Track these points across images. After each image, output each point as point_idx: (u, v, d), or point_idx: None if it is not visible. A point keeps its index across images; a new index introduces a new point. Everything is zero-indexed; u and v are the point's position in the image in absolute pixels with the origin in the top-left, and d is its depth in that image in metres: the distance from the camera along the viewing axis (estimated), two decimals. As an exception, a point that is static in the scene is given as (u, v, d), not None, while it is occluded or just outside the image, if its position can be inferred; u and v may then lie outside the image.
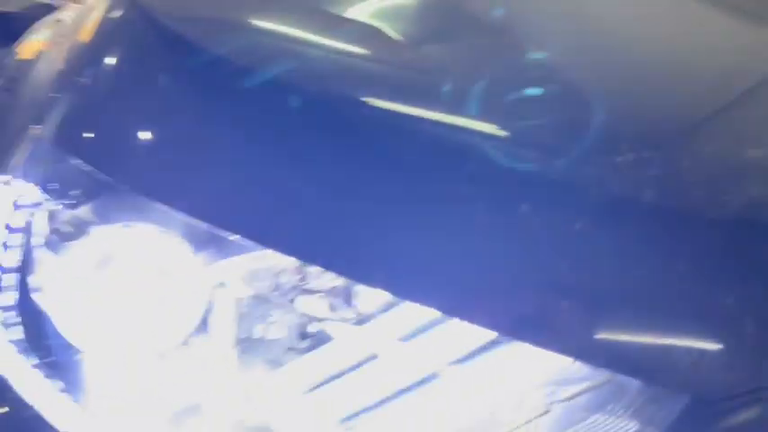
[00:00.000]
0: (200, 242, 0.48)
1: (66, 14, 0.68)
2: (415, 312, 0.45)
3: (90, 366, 0.51)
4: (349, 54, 0.56)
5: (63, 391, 0.50)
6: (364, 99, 0.51)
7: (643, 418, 0.39)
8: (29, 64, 0.64)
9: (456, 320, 0.43)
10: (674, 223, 0.44)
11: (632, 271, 0.42)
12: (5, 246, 0.53)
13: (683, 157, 0.50)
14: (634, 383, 0.39)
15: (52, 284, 0.50)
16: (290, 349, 0.49)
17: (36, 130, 0.53)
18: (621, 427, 0.39)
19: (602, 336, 0.41)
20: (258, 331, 0.49)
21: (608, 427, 0.39)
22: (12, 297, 0.53)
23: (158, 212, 0.47)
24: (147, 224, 0.48)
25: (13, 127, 0.56)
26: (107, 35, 0.56)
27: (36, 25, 0.72)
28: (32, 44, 0.69)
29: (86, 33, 0.57)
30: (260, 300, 0.48)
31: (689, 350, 0.39)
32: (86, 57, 0.55)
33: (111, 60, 0.53)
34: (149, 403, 0.50)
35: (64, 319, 0.50)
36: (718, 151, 0.53)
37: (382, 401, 0.46)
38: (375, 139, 0.49)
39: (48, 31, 0.69)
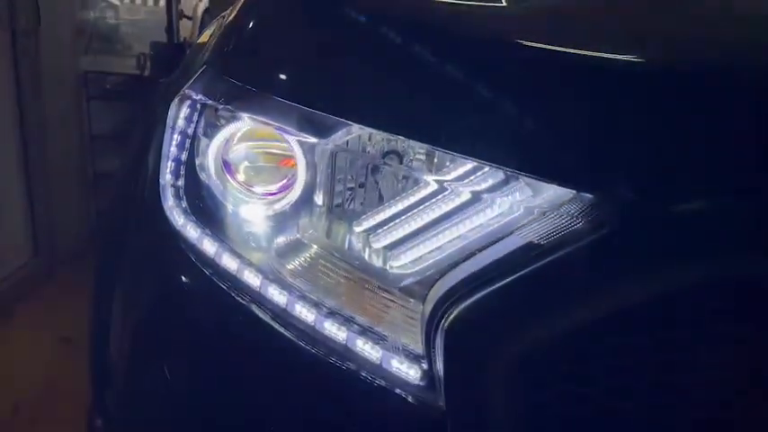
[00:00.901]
0: (307, 124, 0.68)
1: (226, 13, 0.96)
2: (458, 161, 0.61)
3: (229, 217, 0.73)
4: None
5: (208, 235, 0.72)
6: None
7: (588, 219, 0.53)
8: (201, 44, 0.92)
9: (488, 165, 0.59)
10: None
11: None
12: (180, 146, 0.77)
13: None
14: (588, 197, 0.53)
15: (208, 160, 0.73)
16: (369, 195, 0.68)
17: (204, 66, 0.78)
18: (573, 225, 0.54)
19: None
20: (348, 185, 0.69)
21: (562, 221, 0.54)
22: (183, 179, 0.77)
23: (277, 105, 0.68)
24: (269, 114, 0.69)
25: (192, 70, 0.81)
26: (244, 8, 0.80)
27: (210, 23, 1.02)
28: (205, 34, 0.97)
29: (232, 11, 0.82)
30: (352, 160, 0.68)
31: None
32: (230, 22, 0.80)
33: (241, 20, 0.77)
34: (266, 240, 0.71)
35: (216, 185, 0.73)
36: None
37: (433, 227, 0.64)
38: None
39: (215, 24, 0.97)
